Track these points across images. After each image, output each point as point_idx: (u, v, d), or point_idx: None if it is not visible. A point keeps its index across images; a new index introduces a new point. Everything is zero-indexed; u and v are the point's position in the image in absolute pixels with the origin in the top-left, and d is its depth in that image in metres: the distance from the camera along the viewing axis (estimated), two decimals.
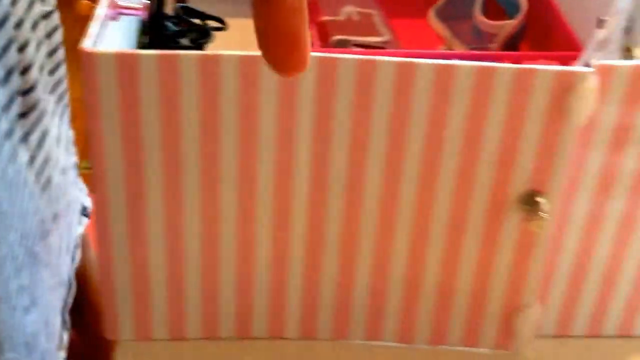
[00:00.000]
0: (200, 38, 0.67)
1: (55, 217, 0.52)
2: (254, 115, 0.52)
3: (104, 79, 0.50)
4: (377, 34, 0.88)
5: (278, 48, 0.37)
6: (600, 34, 0.72)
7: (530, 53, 0.89)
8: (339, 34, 0.86)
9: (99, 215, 0.56)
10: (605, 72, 0.53)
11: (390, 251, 0.58)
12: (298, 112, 0.52)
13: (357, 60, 0.51)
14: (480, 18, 0.90)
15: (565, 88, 0.52)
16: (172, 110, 0.51)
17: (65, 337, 0.57)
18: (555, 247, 0.60)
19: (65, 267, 0.56)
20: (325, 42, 0.87)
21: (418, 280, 0.60)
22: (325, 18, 0.90)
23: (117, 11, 0.56)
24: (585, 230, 0.59)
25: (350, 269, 0.60)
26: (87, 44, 0.49)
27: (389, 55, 0.51)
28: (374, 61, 0.51)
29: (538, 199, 0.56)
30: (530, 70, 0.52)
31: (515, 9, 0.91)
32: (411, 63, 0.51)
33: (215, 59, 0.49)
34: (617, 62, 0.53)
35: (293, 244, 0.58)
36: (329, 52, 0.53)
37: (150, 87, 0.50)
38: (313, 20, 0.89)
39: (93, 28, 0.51)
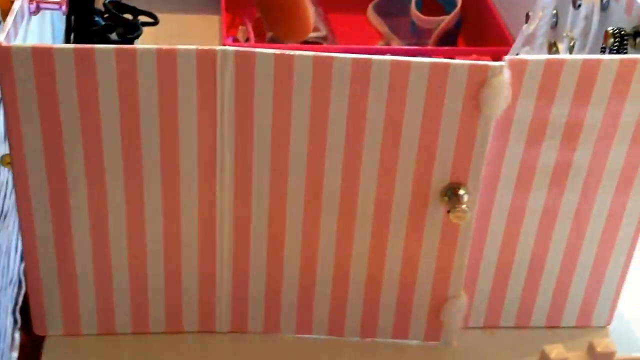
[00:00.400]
0: (129, 33, 0.66)
1: (2, 216, 0.52)
2: (173, 107, 0.52)
3: (20, 74, 0.49)
4: (314, 30, 0.89)
5: (281, 23, 0.39)
6: (527, 29, 0.73)
7: (463, 48, 0.90)
8: (271, 32, 0.87)
9: (22, 211, 0.55)
10: (518, 66, 0.53)
11: (317, 245, 0.59)
12: (219, 104, 0.52)
13: (276, 55, 0.51)
14: (416, 14, 0.91)
15: (478, 82, 0.53)
16: (90, 104, 0.51)
17: (17, 337, 0.56)
18: (480, 239, 0.61)
19: (14, 267, 0.56)
20: (262, 38, 0.87)
21: (346, 273, 0.60)
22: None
23: (37, 5, 0.56)
24: (509, 222, 0.60)
25: (278, 264, 0.60)
26: (2, 38, 0.49)
27: (315, 51, 0.51)
28: (292, 56, 0.51)
29: (459, 190, 0.56)
30: (444, 64, 0.52)
31: (453, 5, 0.92)
32: (328, 58, 0.51)
33: (132, 53, 0.49)
34: (529, 57, 0.54)
35: (221, 238, 0.58)
36: (252, 47, 0.53)
37: (67, 81, 0.50)
38: (250, 16, 0.89)
39: (9, 22, 0.51)
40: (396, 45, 0.92)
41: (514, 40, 0.84)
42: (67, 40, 0.63)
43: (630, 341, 0.66)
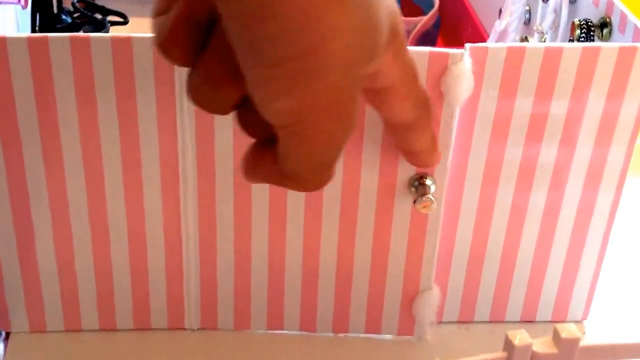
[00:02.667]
0: (96, 31, 0.66)
1: None
2: (132, 98, 0.52)
3: None
4: None
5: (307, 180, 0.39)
6: (499, 25, 0.73)
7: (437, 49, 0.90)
8: None
9: None
10: (479, 54, 0.53)
11: (284, 240, 0.59)
12: (178, 96, 0.52)
13: None
14: None
15: (439, 70, 0.52)
16: (46, 95, 0.51)
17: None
18: (450, 234, 0.60)
19: None
20: None
21: (315, 268, 0.60)
22: None
23: None
24: (478, 216, 0.60)
25: (246, 259, 0.59)
26: None
27: None
28: None
29: (425, 181, 0.56)
30: None
31: (431, 7, 0.92)
32: None
33: (86, 41, 0.49)
34: (489, 45, 0.53)
35: (186, 232, 0.58)
36: None
37: (22, 72, 0.50)
38: None
39: None
40: None
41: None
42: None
43: (607, 336, 0.66)
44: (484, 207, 0.59)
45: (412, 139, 0.51)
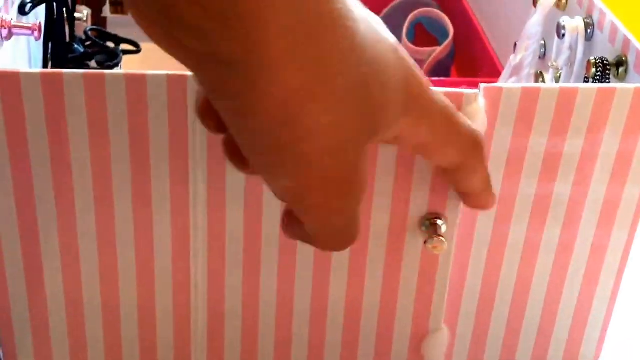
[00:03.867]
0: (108, 60, 0.66)
1: None
2: (145, 136, 0.51)
3: None
4: None
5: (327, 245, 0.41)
6: (514, 59, 0.72)
7: (454, 79, 0.89)
8: None
9: None
10: (493, 94, 0.53)
11: (294, 279, 0.58)
12: (190, 131, 0.52)
13: None
14: (407, 44, 0.90)
15: None
16: (58, 131, 0.51)
17: None
18: (461, 272, 0.60)
19: None
20: None
21: (324, 308, 0.59)
22: None
23: (9, 30, 0.55)
24: (490, 255, 0.59)
25: (254, 299, 0.59)
26: None
27: None
28: None
29: (436, 221, 0.55)
30: None
31: (445, 35, 0.91)
32: None
33: (101, 78, 0.49)
34: (504, 84, 0.53)
35: (195, 276, 0.57)
36: None
37: (35, 107, 0.49)
38: None
39: None
40: None
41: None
42: (44, 68, 0.63)
43: None
44: (495, 245, 0.59)
45: (461, 180, 0.49)
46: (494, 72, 0.86)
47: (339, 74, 0.33)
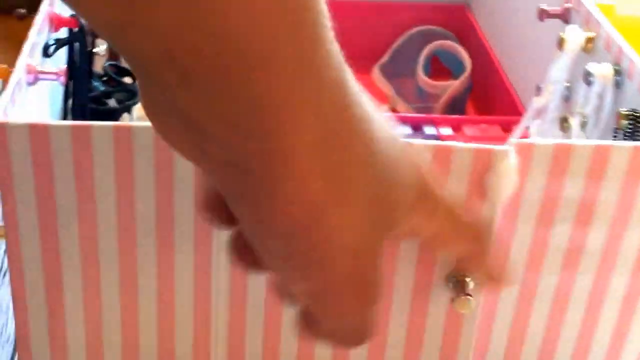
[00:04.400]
0: (128, 99, 0.65)
1: (2, 273, 0.51)
2: (169, 189, 0.50)
3: (16, 150, 0.48)
4: None
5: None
6: (538, 102, 0.71)
7: (472, 117, 0.88)
8: None
9: (15, 283, 0.53)
10: (525, 150, 0.52)
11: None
12: None
13: None
14: (422, 78, 0.89)
15: (484, 166, 0.51)
16: (86, 183, 0.49)
17: None
18: (487, 326, 0.58)
19: (12, 325, 0.54)
20: None
21: None
22: None
23: (35, 76, 0.54)
24: (518, 306, 0.58)
25: (274, 353, 0.57)
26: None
27: None
28: None
29: (464, 278, 0.54)
30: (447, 148, 0.50)
31: (461, 68, 0.90)
32: None
33: (128, 131, 0.48)
34: (536, 140, 0.52)
35: (216, 323, 0.56)
36: None
37: (64, 158, 0.48)
38: None
39: (5, 96, 0.49)
40: (402, 108, 0.91)
41: (523, 109, 0.82)
42: (65, 106, 0.62)
43: None
44: (524, 297, 0.57)
45: (471, 269, 0.52)
46: (511, 107, 0.85)
47: (359, 177, 0.34)
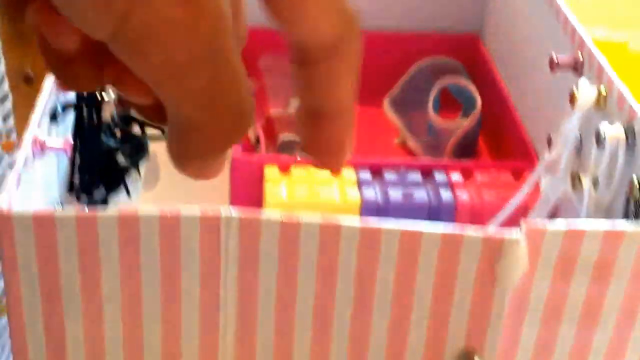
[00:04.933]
0: (136, 153, 0.65)
1: None
2: (176, 277, 0.50)
3: (21, 238, 0.48)
4: None
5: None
6: (549, 156, 0.71)
7: (482, 162, 0.88)
8: (285, 132, 0.84)
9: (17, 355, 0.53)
10: (535, 237, 0.51)
11: None
12: (223, 274, 0.50)
13: (282, 222, 0.49)
14: (433, 116, 0.88)
15: (493, 254, 0.50)
16: (92, 271, 0.49)
17: None
18: None
19: None
20: (273, 141, 0.85)
21: None
22: (273, 112, 0.88)
23: (42, 148, 0.54)
24: None
25: None
26: (3, 202, 0.47)
27: None
28: (299, 224, 0.49)
29: (473, 357, 0.54)
30: (457, 236, 0.50)
31: (472, 104, 0.89)
32: (335, 225, 0.49)
33: (134, 219, 0.47)
34: (547, 226, 0.51)
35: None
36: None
37: (69, 248, 0.48)
38: (261, 114, 0.87)
39: (10, 182, 0.49)
40: (412, 144, 0.90)
41: (534, 153, 0.81)
42: (72, 164, 0.61)
43: None
44: None
45: (327, 81, 0.34)
46: (523, 148, 0.84)
47: None
